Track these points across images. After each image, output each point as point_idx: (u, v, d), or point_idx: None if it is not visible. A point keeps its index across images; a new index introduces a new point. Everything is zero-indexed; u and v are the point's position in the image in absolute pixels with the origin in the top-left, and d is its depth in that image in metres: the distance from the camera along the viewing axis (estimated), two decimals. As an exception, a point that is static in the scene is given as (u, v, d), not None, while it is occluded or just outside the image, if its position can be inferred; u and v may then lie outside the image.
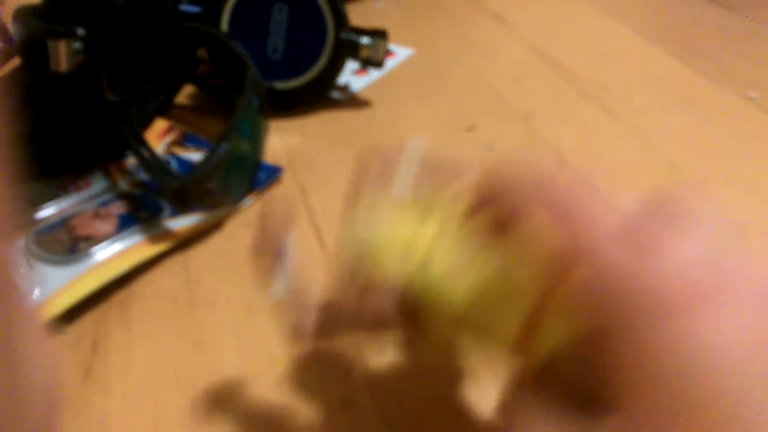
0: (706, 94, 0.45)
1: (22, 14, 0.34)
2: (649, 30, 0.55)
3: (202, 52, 0.47)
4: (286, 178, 0.39)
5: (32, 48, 0.32)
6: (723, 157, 0.39)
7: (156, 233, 0.33)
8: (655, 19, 0.58)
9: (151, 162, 0.35)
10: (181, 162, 0.40)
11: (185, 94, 0.49)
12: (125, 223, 0.34)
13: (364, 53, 0.44)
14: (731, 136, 0.40)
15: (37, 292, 0.29)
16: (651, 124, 0.42)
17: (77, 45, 0.32)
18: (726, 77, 0.47)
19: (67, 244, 0.32)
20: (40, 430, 0.14)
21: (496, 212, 0.18)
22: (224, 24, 0.43)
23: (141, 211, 0.35)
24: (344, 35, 0.44)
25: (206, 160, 0.33)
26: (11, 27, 0.38)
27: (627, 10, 0.59)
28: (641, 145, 0.40)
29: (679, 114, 0.43)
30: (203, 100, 0.48)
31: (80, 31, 0.33)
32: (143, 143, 0.37)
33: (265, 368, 0.27)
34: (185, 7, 0.45)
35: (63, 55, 0.32)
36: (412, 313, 0.19)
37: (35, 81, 0.37)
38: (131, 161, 0.40)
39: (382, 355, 0.26)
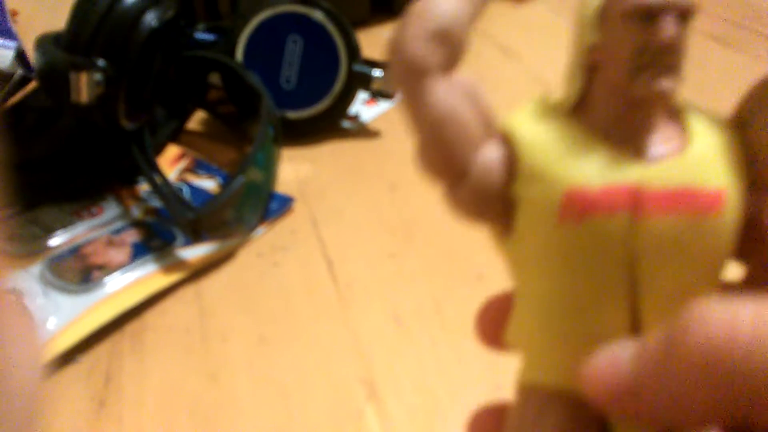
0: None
1: (44, 43, 0.34)
2: (655, 67, 0.56)
3: (214, 78, 0.47)
4: (298, 207, 0.39)
5: (53, 78, 0.33)
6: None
7: (169, 263, 0.34)
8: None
9: (166, 191, 0.35)
10: (193, 189, 0.40)
11: (196, 120, 0.49)
12: (138, 252, 0.34)
13: (375, 85, 0.45)
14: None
15: (53, 321, 0.29)
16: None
17: (98, 76, 0.33)
18: (730, 117, 0.48)
19: (81, 272, 0.32)
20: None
21: None
22: (239, 53, 0.44)
23: (154, 240, 0.35)
24: (357, 67, 0.45)
25: (222, 192, 0.33)
26: (30, 53, 0.39)
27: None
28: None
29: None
30: (214, 126, 0.48)
31: (101, 63, 0.33)
32: (157, 171, 0.37)
33: (278, 401, 0.27)
34: (201, 35, 0.45)
35: (84, 86, 0.32)
36: None
37: (51, 107, 0.37)
38: (143, 188, 0.40)
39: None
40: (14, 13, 0.64)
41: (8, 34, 0.39)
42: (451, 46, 0.13)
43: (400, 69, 0.13)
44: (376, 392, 0.27)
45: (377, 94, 0.46)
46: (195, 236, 0.34)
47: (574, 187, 0.12)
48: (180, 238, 0.35)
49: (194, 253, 0.34)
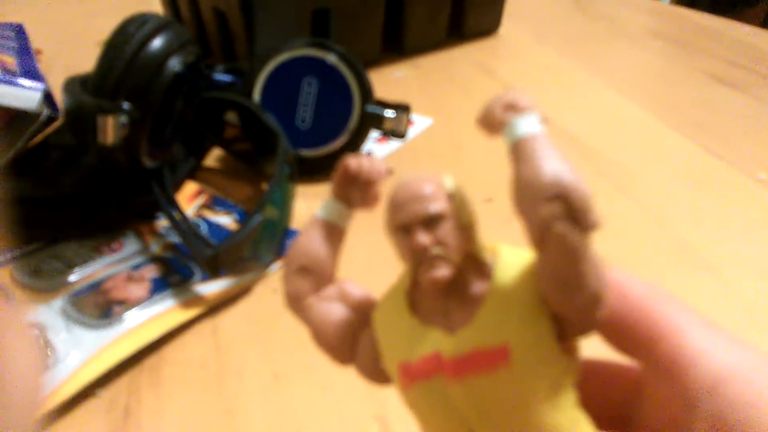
0: (716, 174, 0.47)
1: (72, 86, 0.36)
2: (660, 108, 0.57)
3: (231, 116, 0.49)
4: (311, 244, 0.40)
5: (81, 120, 0.34)
6: (734, 238, 0.40)
7: (187, 298, 0.34)
8: (665, 97, 0.60)
9: (185, 227, 0.37)
10: (211, 225, 0.41)
11: (213, 157, 0.51)
12: (158, 287, 0.35)
13: (387, 125, 0.46)
14: (743, 218, 0.42)
15: (75, 355, 0.30)
16: (664, 202, 0.44)
17: (123, 119, 0.34)
18: (736, 157, 0.49)
19: (102, 307, 0.33)
20: None
21: None
22: (256, 94, 0.45)
23: (173, 276, 0.36)
24: (369, 108, 0.46)
25: (240, 229, 0.34)
26: (54, 89, 0.41)
27: (637, 88, 0.62)
28: (655, 224, 0.41)
29: (691, 193, 0.45)
30: (231, 164, 0.50)
31: (126, 106, 0.34)
32: (176, 207, 0.39)
33: (294, 440, 0.27)
34: (219, 77, 0.47)
35: (110, 129, 0.33)
36: None
37: (75, 145, 0.39)
38: (162, 224, 0.41)
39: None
40: (38, 52, 0.67)
41: (35, 75, 0.41)
42: (314, 275, 0.18)
43: (285, 298, 0.19)
44: (389, 428, 0.28)
45: (389, 134, 0.47)
46: (213, 272, 0.34)
47: (402, 362, 0.16)
48: (198, 273, 0.36)
49: (211, 288, 0.35)
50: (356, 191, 0.18)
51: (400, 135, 0.47)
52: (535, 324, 0.15)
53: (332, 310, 0.18)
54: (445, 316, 0.16)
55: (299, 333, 0.33)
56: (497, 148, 0.53)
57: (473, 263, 0.16)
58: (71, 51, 0.73)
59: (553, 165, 0.14)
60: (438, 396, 0.16)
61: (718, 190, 0.45)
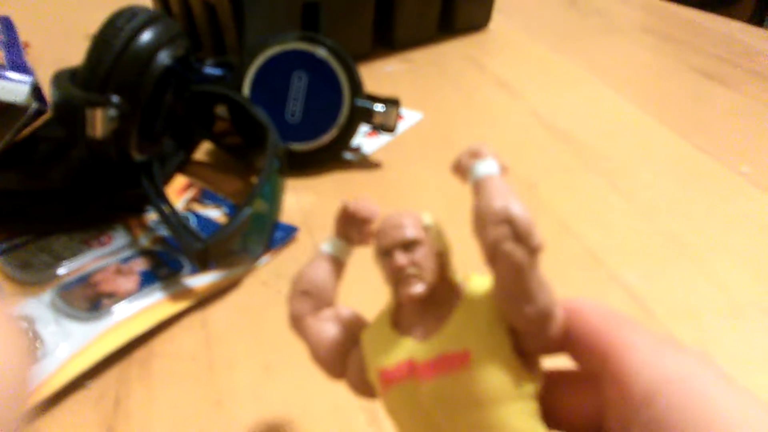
0: (703, 168, 0.47)
1: (61, 80, 0.36)
2: (648, 103, 0.58)
3: (220, 110, 0.49)
4: (301, 237, 0.40)
5: (70, 113, 0.34)
6: (720, 230, 0.40)
7: (176, 291, 0.35)
8: (654, 92, 0.61)
9: (174, 221, 0.37)
10: (200, 219, 0.41)
11: (202, 151, 0.51)
12: (147, 280, 0.35)
13: (377, 119, 0.47)
14: (727, 210, 0.42)
15: (64, 347, 0.30)
16: (652, 196, 0.44)
17: (113, 112, 0.34)
18: (721, 152, 0.49)
19: (91, 300, 0.33)
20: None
21: None
22: (246, 88, 0.45)
23: (162, 269, 0.36)
24: (359, 102, 0.46)
25: (230, 223, 0.34)
26: (42, 83, 0.40)
27: (627, 84, 0.62)
28: (643, 217, 0.42)
29: (677, 186, 0.45)
30: (220, 157, 0.50)
31: (115, 99, 0.34)
32: (166, 200, 0.39)
33: (282, 427, 0.28)
34: (209, 70, 0.47)
35: (99, 122, 0.33)
36: None
37: (64, 138, 0.39)
38: (151, 217, 0.41)
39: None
40: (26, 45, 0.66)
41: (24, 69, 0.41)
42: (314, 299, 0.22)
43: (288, 317, 0.22)
44: (376, 418, 0.28)
45: (378, 128, 0.47)
46: (202, 265, 0.35)
47: (381, 369, 0.19)
48: (187, 266, 0.36)
49: (201, 281, 0.35)
50: (354, 230, 0.22)
51: (389, 129, 0.47)
52: (493, 335, 0.18)
53: (327, 330, 0.22)
54: (419, 327, 0.19)
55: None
56: (485, 141, 0.53)
57: (447, 284, 0.19)
58: (60, 44, 0.72)
59: (503, 198, 0.17)
60: (410, 397, 0.18)
61: (703, 183, 0.46)
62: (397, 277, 0.19)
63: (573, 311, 0.18)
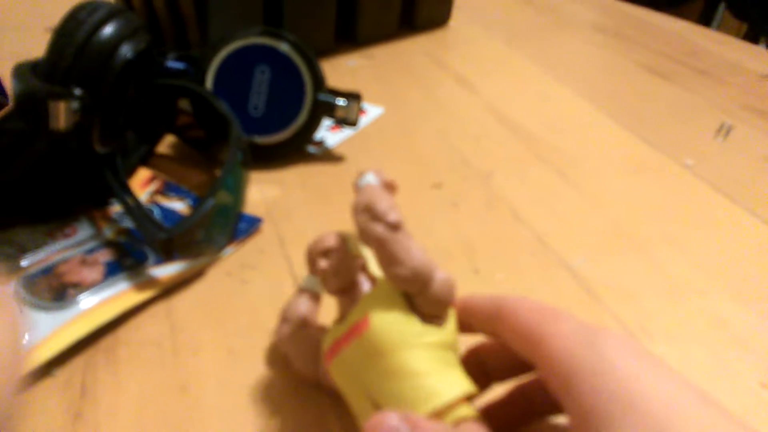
0: (648, 160, 0.50)
1: (22, 71, 0.36)
2: (597, 98, 0.60)
3: (184, 104, 0.49)
4: (266, 228, 0.41)
5: (32, 105, 0.34)
6: (662, 219, 0.43)
7: (141, 281, 0.35)
8: (604, 87, 0.63)
9: (138, 212, 0.37)
10: (164, 210, 0.42)
11: (166, 144, 0.51)
12: (111, 271, 0.36)
13: (339, 113, 0.48)
14: (670, 200, 0.45)
15: (27, 337, 0.30)
16: (599, 186, 0.46)
17: (75, 105, 0.34)
18: (666, 145, 0.52)
19: (56, 290, 0.34)
20: None
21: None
22: (209, 82, 0.46)
23: (127, 259, 0.37)
24: (321, 96, 0.47)
25: (193, 213, 0.35)
26: (5, 80, 0.40)
27: (576, 78, 0.65)
28: (590, 206, 0.44)
29: (624, 178, 0.48)
30: (184, 150, 0.50)
31: (78, 92, 0.35)
32: (129, 193, 0.39)
33: (246, 411, 0.29)
34: (171, 64, 0.47)
35: (62, 114, 0.34)
36: None
37: (25, 130, 0.39)
38: (115, 209, 0.41)
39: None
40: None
41: (-18, 60, 0.41)
42: (294, 324, 0.29)
43: (276, 338, 0.30)
44: (338, 401, 0.29)
45: (341, 122, 0.49)
46: (166, 255, 0.35)
47: (322, 355, 0.25)
48: (151, 257, 0.37)
49: (165, 271, 0.36)
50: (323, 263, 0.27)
51: (351, 123, 0.49)
52: (388, 301, 0.22)
53: (302, 347, 0.29)
54: (343, 313, 0.26)
55: (253, 312, 0.35)
56: (446, 137, 0.55)
57: (369, 278, 0.26)
58: (19, 37, 0.71)
59: (366, 195, 0.23)
60: (341, 366, 0.23)
61: (648, 175, 0.48)
62: (321, 278, 0.26)
63: (510, 308, 0.22)
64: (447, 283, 0.22)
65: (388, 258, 0.22)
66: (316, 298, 0.30)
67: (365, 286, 0.27)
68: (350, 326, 0.23)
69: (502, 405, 0.25)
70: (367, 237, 0.22)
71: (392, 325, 0.22)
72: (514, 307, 0.22)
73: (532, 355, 0.20)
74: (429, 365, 0.21)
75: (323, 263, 0.26)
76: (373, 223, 0.22)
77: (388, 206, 0.22)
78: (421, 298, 0.22)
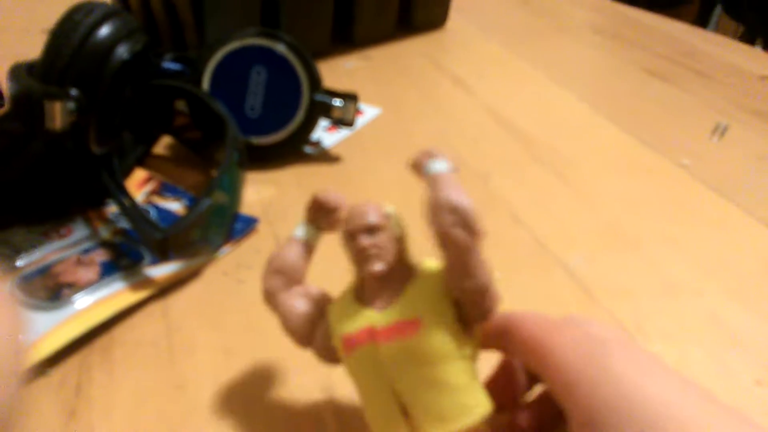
0: (645, 161, 0.50)
1: (18, 72, 0.36)
2: (594, 99, 0.60)
3: (180, 105, 0.50)
4: (262, 228, 0.41)
5: (28, 106, 0.34)
6: (658, 219, 0.43)
7: (137, 281, 0.35)
8: (601, 88, 0.63)
9: (134, 213, 0.37)
10: (160, 211, 0.42)
11: (163, 145, 0.51)
12: (107, 271, 0.36)
13: (336, 114, 0.48)
14: (667, 200, 0.45)
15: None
16: (596, 186, 0.46)
17: (71, 105, 0.34)
18: (663, 145, 0.52)
19: (51, 290, 0.34)
20: None
21: None
22: (205, 83, 0.46)
23: (122, 259, 0.37)
24: (318, 97, 0.47)
25: (189, 213, 0.35)
26: (2, 81, 0.40)
27: (574, 80, 0.65)
28: (587, 206, 0.44)
29: (621, 178, 0.48)
30: (180, 151, 0.50)
31: (74, 92, 0.35)
32: (126, 193, 0.39)
33: (242, 410, 0.29)
34: (168, 65, 0.47)
35: (58, 114, 0.34)
36: None
37: (21, 131, 0.39)
38: (111, 210, 0.41)
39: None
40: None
41: (-21, 61, 0.41)
42: (287, 276, 0.25)
43: (262, 292, 0.26)
44: (333, 398, 0.29)
45: (337, 122, 0.49)
46: (162, 255, 0.35)
47: (344, 335, 0.22)
48: (147, 257, 0.37)
49: (161, 271, 0.36)
50: (323, 218, 0.25)
51: (348, 123, 0.49)
52: (440, 305, 0.21)
53: (297, 304, 0.25)
54: (379, 300, 0.22)
55: (249, 312, 0.35)
56: (443, 138, 0.55)
57: (403, 265, 0.23)
58: (15, 38, 0.71)
59: (453, 191, 0.20)
60: (370, 359, 0.22)
61: (645, 175, 0.48)
62: (361, 257, 0.22)
63: (517, 323, 0.22)
64: (497, 298, 0.22)
65: (463, 267, 0.20)
66: (309, 250, 0.26)
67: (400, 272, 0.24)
68: (394, 322, 0.21)
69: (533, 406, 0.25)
70: (447, 241, 0.20)
71: (444, 335, 0.21)
72: (522, 321, 0.22)
73: (537, 367, 0.21)
74: (465, 379, 0.21)
75: (365, 241, 0.22)
76: (459, 229, 0.20)
77: (476, 212, 0.20)
78: (475, 311, 0.21)
